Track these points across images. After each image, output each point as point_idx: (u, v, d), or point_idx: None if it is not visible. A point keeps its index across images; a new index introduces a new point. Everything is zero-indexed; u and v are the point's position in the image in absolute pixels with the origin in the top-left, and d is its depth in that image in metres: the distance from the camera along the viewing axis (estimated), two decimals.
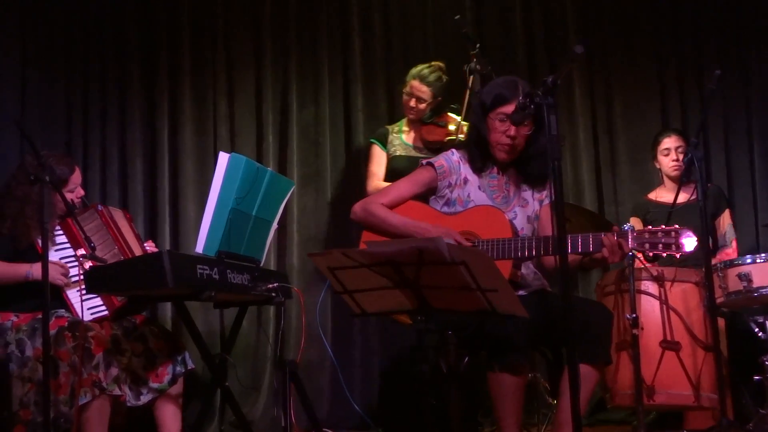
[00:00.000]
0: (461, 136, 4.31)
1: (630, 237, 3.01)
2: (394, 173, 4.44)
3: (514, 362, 3.02)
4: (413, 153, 4.51)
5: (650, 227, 3.06)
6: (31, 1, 4.93)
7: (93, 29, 5.08)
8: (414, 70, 4.50)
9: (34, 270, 3.58)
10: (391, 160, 4.51)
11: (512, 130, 3.21)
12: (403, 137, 4.56)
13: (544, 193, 3.36)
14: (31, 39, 4.92)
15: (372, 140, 4.61)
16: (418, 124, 4.52)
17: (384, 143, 4.54)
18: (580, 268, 3.40)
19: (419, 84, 4.45)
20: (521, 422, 3.11)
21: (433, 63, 4.55)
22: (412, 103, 4.47)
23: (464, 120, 4.35)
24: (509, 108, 3.21)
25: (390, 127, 4.64)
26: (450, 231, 3.17)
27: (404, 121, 4.64)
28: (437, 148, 4.41)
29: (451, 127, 4.42)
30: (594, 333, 3.07)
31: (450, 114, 4.50)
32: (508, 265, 3.15)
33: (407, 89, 4.48)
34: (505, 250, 3.10)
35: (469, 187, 3.34)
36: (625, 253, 3.05)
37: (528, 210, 3.36)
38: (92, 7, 5.08)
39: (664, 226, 3.02)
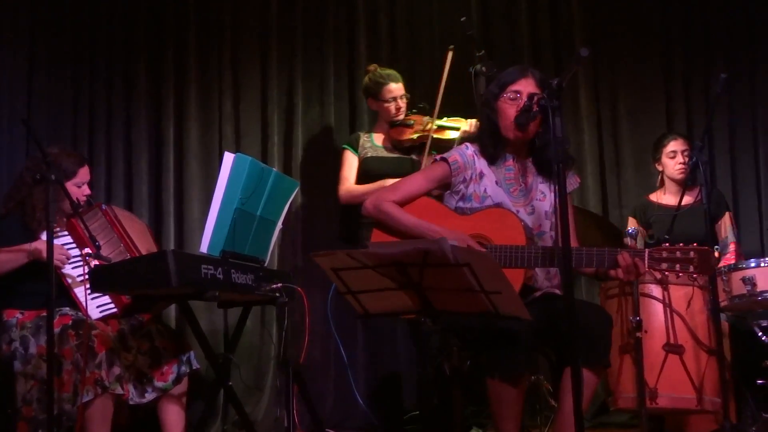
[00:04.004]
0: (435, 135, 4.38)
1: (646, 257, 2.96)
2: (366, 174, 4.49)
3: (513, 372, 2.99)
4: (383, 153, 4.54)
5: (668, 245, 2.99)
6: (39, 1, 4.95)
7: (100, 29, 5.09)
8: (379, 80, 4.50)
9: (34, 247, 3.58)
10: (363, 162, 4.53)
11: (522, 104, 3.14)
12: (373, 138, 4.58)
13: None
14: (38, 38, 4.94)
15: (344, 146, 4.63)
16: (386, 126, 4.55)
17: (356, 148, 4.57)
18: (595, 277, 3.37)
19: (394, 85, 4.50)
20: (520, 427, 3.10)
21: (374, 66, 4.61)
22: (399, 103, 4.50)
23: (441, 118, 4.43)
24: (518, 85, 3.20)
25: (362, 133, 4.68)
26: (462, 235, 3.13)
27: (374, 125, 4.70)
28: (407, 146, 4.49)
29: (419, 126, 4.47)
30: (593, 337, 3.04)
31: (417, 113, 4.53)
32: (522, 269, 3.12)
33: (387, 96, 4.49)
34: (515, 259, 3.06)
35: (486, 182, 3.27)
36: (641, 274, 3.01)
37: (545, 204, 3.31)
38: (99, 7, 5.09)
39: (682, 244, 2.96)
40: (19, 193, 3.75)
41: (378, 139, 4.58)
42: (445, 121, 4.44)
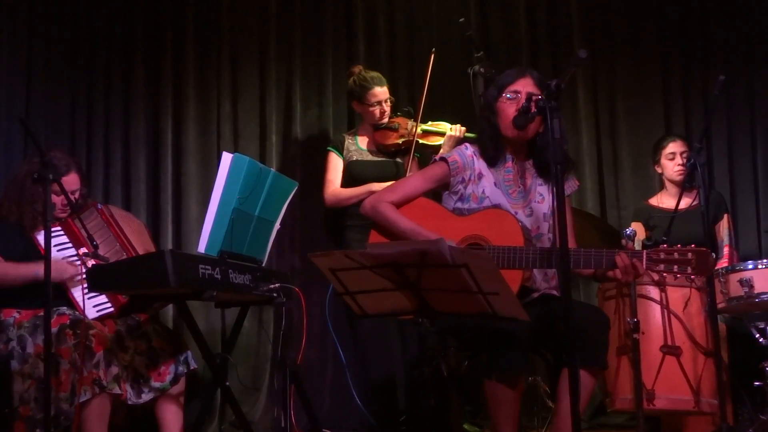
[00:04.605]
0: (420, 140, 4.40)
1: (644, 257, 2.96)
2: (351, 178, 4.49)
3: (510, 373, 3.00)
4: (369, 157, 4.54)
5: (665, 246, 2.99)
6: (37, 1, 4.95)
7: (98, 28, 5.09)
8: (364, 83, 4.48)
9: (42, 271, 3.56)
10: (348, 166, 4.53)
11: (521, 103, 3.13)
12: (357, 142, 4.58)
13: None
14: (37, 37, 4.93)
15: (329, 148, 4.62)
16: (371, 129, 4.55)
17: (340, 150, 4.56)
18: (593, 278, 3.37)
19: (379, 88, 4.48)
20: (517, 428, 3.10)
21: (359, 68, 4.59)
22: (384, 107, 4.49)
23: (425, 121, 4.44)
24: (516, 85, 3.21)
25: (346, 134, 4.67)
26: (453, 242, 3.13)
27: (358, 127, 4.68)
28: (392, 150, 4.50)
29: (404, 130, 4.48)
30: (591, 338, 3.05)
31: (402, 117, 4.54)
32: (519, 271, 3.13)
33: (371, 101, 4.47)
34: (513, 260, 3.06)
35: (484, 183, 3.28)
36: (639, 274, 3.01)
37: (544, 206, 3.31)
38: (98, 7, 5.09)
39: (680, 246, 2.96)
40: (14, 194, 3.74)
41: (363, 142, 4.58)
42: (429, 126, 4.44)
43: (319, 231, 5.04)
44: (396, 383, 4.49)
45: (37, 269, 3.55)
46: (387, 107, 4.50)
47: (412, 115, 4.46)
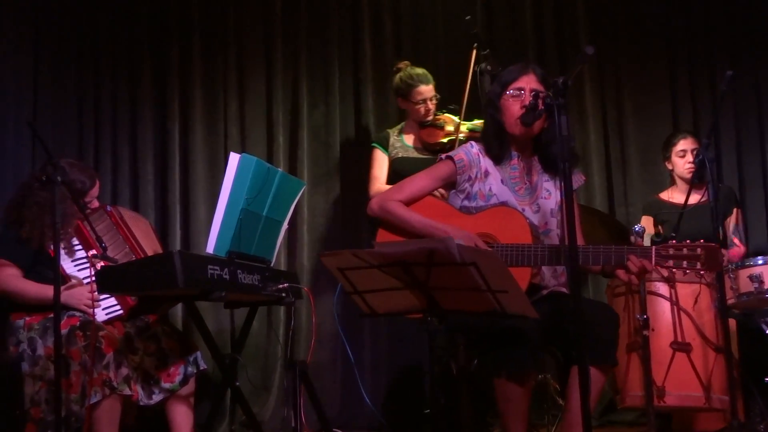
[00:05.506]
0: (461, 136, 4.36)
1: (653, 254, 2.95)
2: (396, 175, 4.46)
3: (520, 371, 2.99)
4: (414, 154, 4.53)
5: (675, 242, 2.99)
6: (44, 3, 4.96)
7: (105, 30, 5.10)
8: (409, 81, 4.47)
9: (65, 297, 3.53)
10: (393, 163, 4.52)
11: (526, 100, 3.15)
12: (403, 139, 4.57)
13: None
14: (43, 41, 4.95)
15: (374, 144, 4.61)
16: (416, 126, 4.54)
17: (385, 146, 4.56)
18: (601, 274, 3.37)
19: (424, 87, 4.47)
20: (528, 426, 3.09)
21: (405, 64, 4.57)
22: (429, 105, 4.48)
23: (469, 119, 4.40)
24: (520, 82, 3.21)
25: (390, 131, 4.65)
26: (469, 235, 3.13)
27: (404, 123, 4.66)
28: (438, 149, 4.46)
29: (450, 128, 4.46)
30: (600, 335, 3.04)
31: (448, 115, 4.52)
32: (528, 268, 3.12)
33: (416, 98, 4.46)
34: (522, 257, 3.06)
35: (491, 180, 3.28)
36: (648, 272, 3.01)
37: (551, 202, 3.30)
38: (104, 9, 5.10)
39: (689, 241, 2.95)
40: (37, 216, 3.71)
41: (408, 139, 4.57)
42: (474, 125, 4.42)
43: (326, 230, 5.06)
44: (423, 380, 4.48)
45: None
46: (432, 105, 4.49)
47: (458, 113, 4.44)
